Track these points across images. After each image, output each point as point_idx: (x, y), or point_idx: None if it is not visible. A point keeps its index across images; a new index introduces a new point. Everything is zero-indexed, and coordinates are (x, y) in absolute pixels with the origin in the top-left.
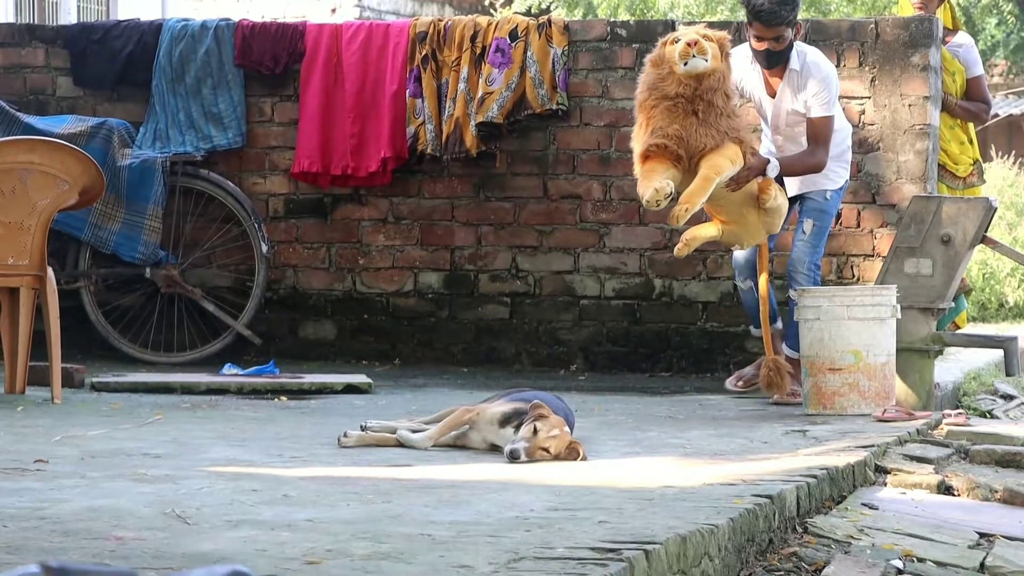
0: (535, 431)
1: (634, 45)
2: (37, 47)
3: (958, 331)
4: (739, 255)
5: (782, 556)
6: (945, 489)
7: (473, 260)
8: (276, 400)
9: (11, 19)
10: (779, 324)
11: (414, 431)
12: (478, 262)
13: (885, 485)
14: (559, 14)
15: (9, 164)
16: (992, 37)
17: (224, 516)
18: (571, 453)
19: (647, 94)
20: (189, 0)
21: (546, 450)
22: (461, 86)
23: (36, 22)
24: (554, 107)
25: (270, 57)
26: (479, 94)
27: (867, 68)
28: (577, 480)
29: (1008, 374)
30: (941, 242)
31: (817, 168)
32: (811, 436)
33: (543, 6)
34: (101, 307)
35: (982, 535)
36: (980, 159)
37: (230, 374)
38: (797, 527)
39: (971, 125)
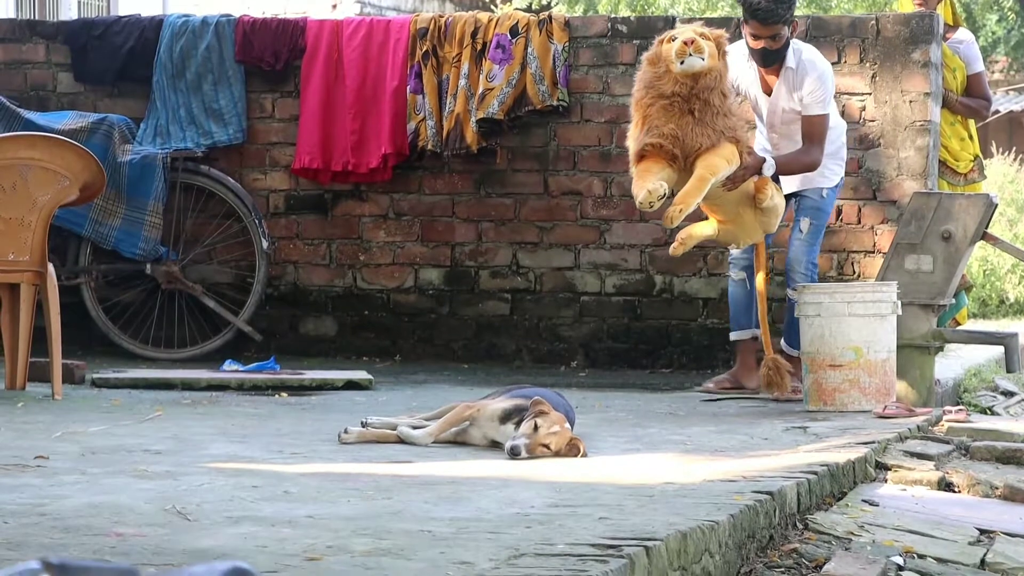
0: (536, 427)
1: (635, 41)
2: (38, 43)
3: (959, 327)
4: (736, 249)
5: (783, 552)
6: (946, 486)
7: (474, 256)
8: (277, 396)
9: (12, 15)
10: (757, 331)
11: (415, 427)
12: (479, 258)
13: (886, 481)
14: (560, 10)
15: (10, 160)
16: (993, 33)
17: (224, 512)
18: (572, 449)
19: (643, 92)
20: None
21: (547, 446)
22: (462, 82)
23: (37, 18)
24: (555, 103)
25: (271, 53)
26: (480, 90)
27: (868, 64)
28: (578, 476)
29: (1009, 370)
30: (942, 238)
31: (813, 166)
32: (812, 432)
33: (544, 2)
34: (102, 303)
35: (982, 531)
36: (981, 155)
37: (231, 370)
38: (798, 523)
39: (972, 121)
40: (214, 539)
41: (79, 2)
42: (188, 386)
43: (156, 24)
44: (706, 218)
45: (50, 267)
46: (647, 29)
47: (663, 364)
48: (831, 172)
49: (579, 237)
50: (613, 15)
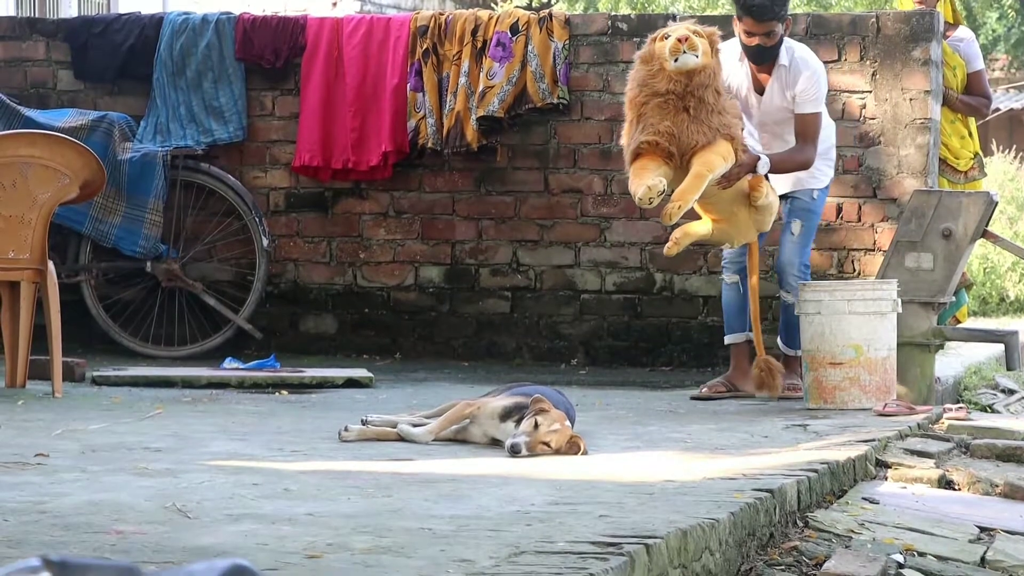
0: (536, 425)
1: (635, 39)
2: (38, 40)
3: (959, 325)
4: (730, 250)
5: (783, 550)
6: (946, 483)
7: (474, 254)
8: (277, 394)
9: (12, 12)
10: (750, 334)
11: (415, 425)
12: (479, 256)
13: (886, 479)
14: (560, 8)
15: (10, 158)
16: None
17: (225, 510)
18: (572, 447)
19: (637, 91)
20: None
21: (547, 444)
22: (462, 80)
23: (37, 15)
24: (555, 101)
25: (271, 51)
26: (480, 88)
27: (868, 62)
28: (578, 474)
29: (1009, 368)
30: (942, 236)
31: (806, 164)
32: (812, 430)
33: (544, 0)
34: (102, 301)
35: (983, 529)
36: (981, 153)
37: (231, 368)
38: (798, 521)
39: (972, 119)
40: (214, 537)
41: (79, 0)
42: (188, 384)
43: (156, 22)
44: (699, 217)
45: (50, 265)
46: (647, 27)
47: (663, 362)
48: (821, 173)
49: (579, 235)
50: (613, 13)
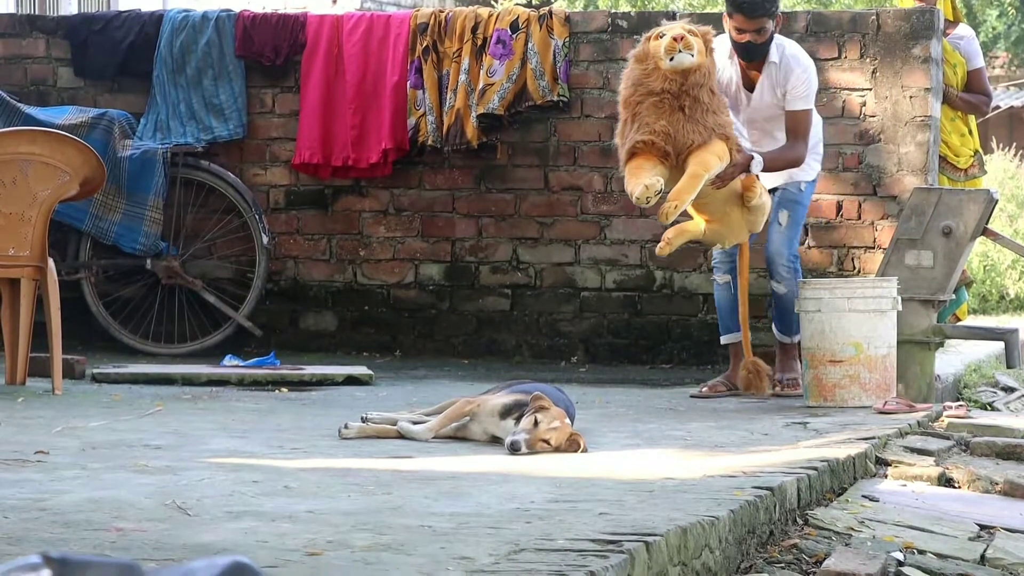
0: (536, 423)
1: (635, 36)
2: (38, 37)
3: (959, 323)
4: (720, 250)
5: (783, 548)
6: (946, 481)
7: (474, 252)
8: (277, 391)
9: (12, 9)
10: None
11: (415, 423)
12: (479, 254)
13: (886, 477)
14: (560, 5)
15: (10, 155)
16: (993, 29)
17: (225, 507)
18: (572, 445)
19: (631, 90)
20: None
21: (547, 442)
22: (462, 77)
23: (37, 12)
24: (555, 98)
25: (271, 48)
26: (480, 85)
27: (868, 60)
28: (578, 472)
29: (1009, 366)
30: (942, 234)
31: (798, 162)
32: (812, 428)
33: None
34: (102, 298)
35: (983, 527)
36: (981, 151)
37: (231, 365)
38: (798, 519)
39: (972, 117)
40: (214, 534)
41: None
42: (188, 381)
43: (156, 19)
44: (692, 217)
45: (50, 262)
46: (647, 24)
47: (663, 360)
48: (809, 167)
49: (579, 232)
50: (613, 10)
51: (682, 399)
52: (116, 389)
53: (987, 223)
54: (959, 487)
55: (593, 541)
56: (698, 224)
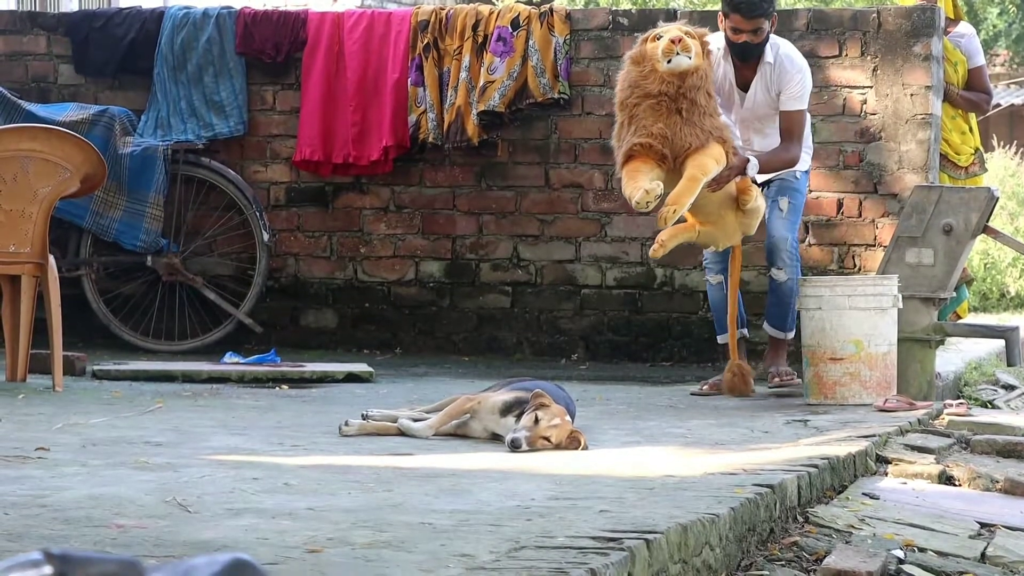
0: (536, 420)
1: (636, 34)
2: (39, 34)
3: (959, 321)
4: (711, 251)
5: (783, 546)
6: (946, 479)
7: (474, 249)
8: (277, 388)
9: (13, 6)
10: (745, 331)
11: (415, 420)
12: (479, 251)
13: (886, 475)
14: (561, 3)
15: (11, 152)
16: (994, 27)
17: (225, 504)
18: (572, 442)
19: (628, 92)
20: None
21: (547, 439)
22: (463, 75)
23: (37, 9)
24: (556, 96)
25: (272, 45)
26: (481, 83)
27: (869, 58)
28: (578, 469)
29: (1009, 364)
30: (943, 232)
31: (793, 162)
32: (812, 426)
33: None
34: (102, 295)
35: (983, 525)
36: (981, 149)
37: (231, 362)
38: (798, 517)
39: (972, 115)
40: (215, 531)
41: None
42: (189, 378)
43: (157, 16)
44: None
45: (51, 259)
46: (648, 22)
47: (663, 357)
48: (802, 160)
49: (580, 230)
50: (614, 8)
51: (682, 396)
52: (116, 386)
53: (988, 221)
54: (960, 485)
55: (594, 538)
56: (692, 226)
